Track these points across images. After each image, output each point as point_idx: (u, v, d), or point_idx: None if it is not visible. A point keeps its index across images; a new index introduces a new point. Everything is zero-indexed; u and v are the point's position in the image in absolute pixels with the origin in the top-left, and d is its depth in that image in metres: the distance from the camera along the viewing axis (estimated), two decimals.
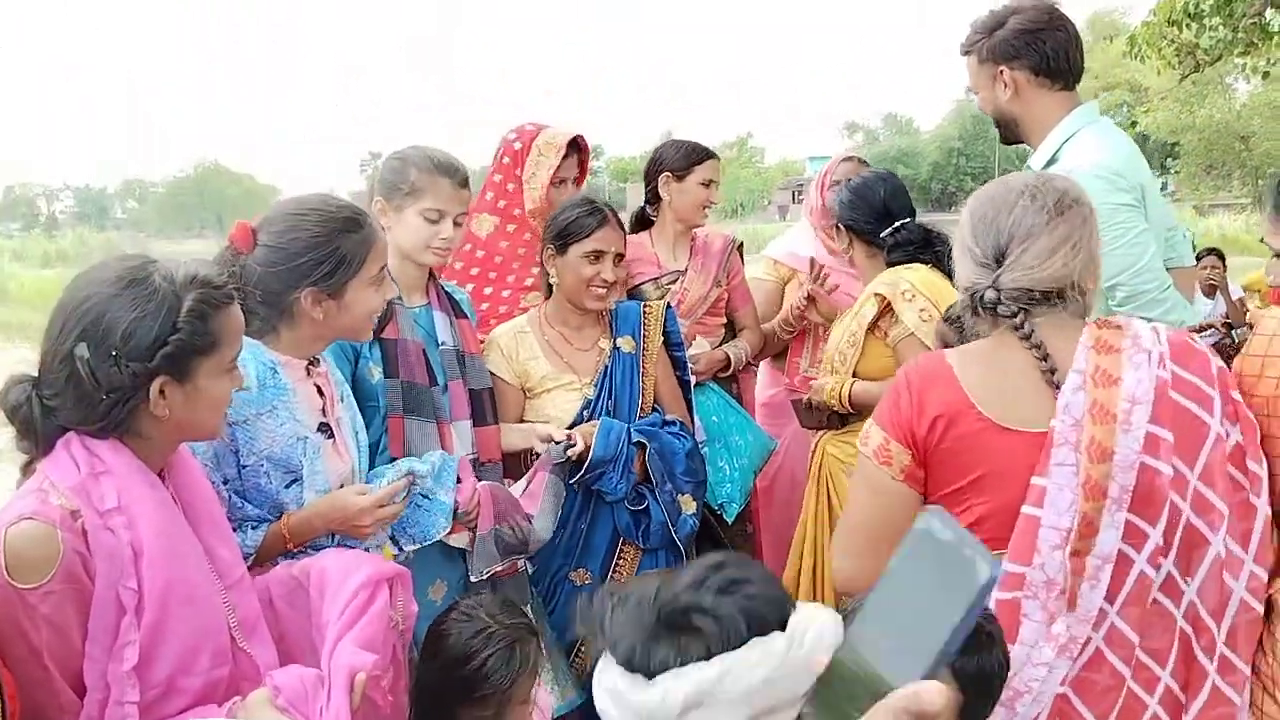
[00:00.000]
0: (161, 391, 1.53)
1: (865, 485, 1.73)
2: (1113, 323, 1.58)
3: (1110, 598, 1.52)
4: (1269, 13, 9.72)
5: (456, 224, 2.43)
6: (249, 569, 1.90)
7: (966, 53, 2.56)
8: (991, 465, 1.60)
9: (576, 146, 3.09)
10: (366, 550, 2.01)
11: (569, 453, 2.46)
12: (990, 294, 1.61)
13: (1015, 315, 1.59)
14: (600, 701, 0.98)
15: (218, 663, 1.56)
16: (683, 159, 3.32)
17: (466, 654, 1.95)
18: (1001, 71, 2.48)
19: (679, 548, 2.63)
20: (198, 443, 1.76)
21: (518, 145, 3.03)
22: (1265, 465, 1.46)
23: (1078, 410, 1.52)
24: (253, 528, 1.92)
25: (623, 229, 2.73)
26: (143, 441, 1.57)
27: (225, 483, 1.90)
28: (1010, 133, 2.58)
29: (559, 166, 3.00)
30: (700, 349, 3.21)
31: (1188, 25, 10.10)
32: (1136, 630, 1.52)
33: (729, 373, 3.30)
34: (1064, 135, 2.45)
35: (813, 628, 0.91)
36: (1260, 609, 1.43)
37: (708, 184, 3.33)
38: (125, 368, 1.49)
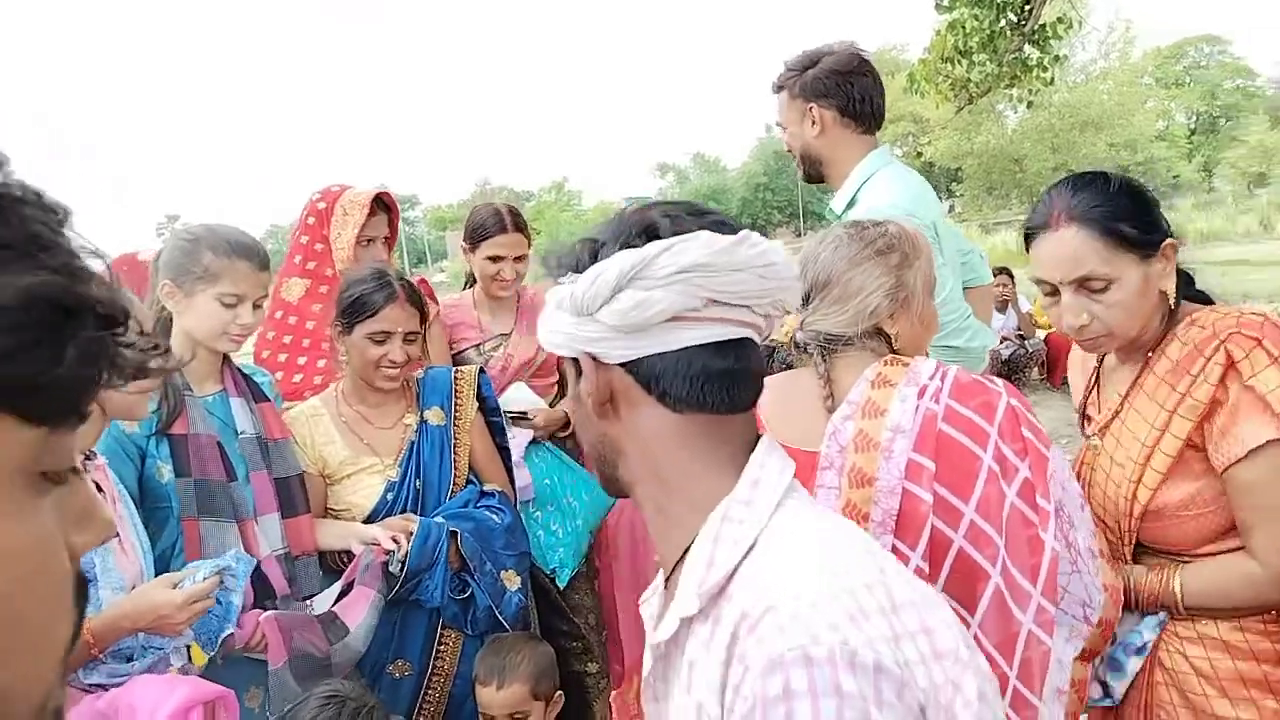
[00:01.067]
0: None
1: None
2: (901, 360, 1.64)
3: None
4: (1027, 48, 10.60)
5: (256, 307, 2.30)
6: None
7: (779, 89, 2.62)
8: None
9: (384, 204, 2.99)
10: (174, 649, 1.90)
11: (397, 559, 2.35)
12: (799, 335, 1.71)
13: (814, 354, 1.69)
14: (545, 338, 1.01)
15: None
16: (470, 232, 3.23)
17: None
18: (811, 108, 2.56)
19: (505, 629, 2.50)
20: None
21: (322, 205, 2.93)
22: (1053, 502, 1.52)
23: (844, 438, 1.58)
24: None
25: (415, 303, 2.51)
26: None
27: None
28: (813, 170, 2.65)
29: (365, 224, 2.91)
30: (523, 400, 3.10)
31: (959, 61, 10.89)
32: None
33: (568, 432, 3.13)
34: (862, 176, 2.55)
35: (766, 241, 0.96)
36: (1050, 643, 1.48)
37: (496, 259, 3.17)
38: None
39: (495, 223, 3.17)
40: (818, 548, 0.89)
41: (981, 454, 1.51)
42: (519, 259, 3.19)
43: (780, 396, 1.71)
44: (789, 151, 2.69)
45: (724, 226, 0.97)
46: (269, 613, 2.13)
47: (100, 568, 1.84)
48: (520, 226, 3.21)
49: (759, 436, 1.02)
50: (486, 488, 2.63)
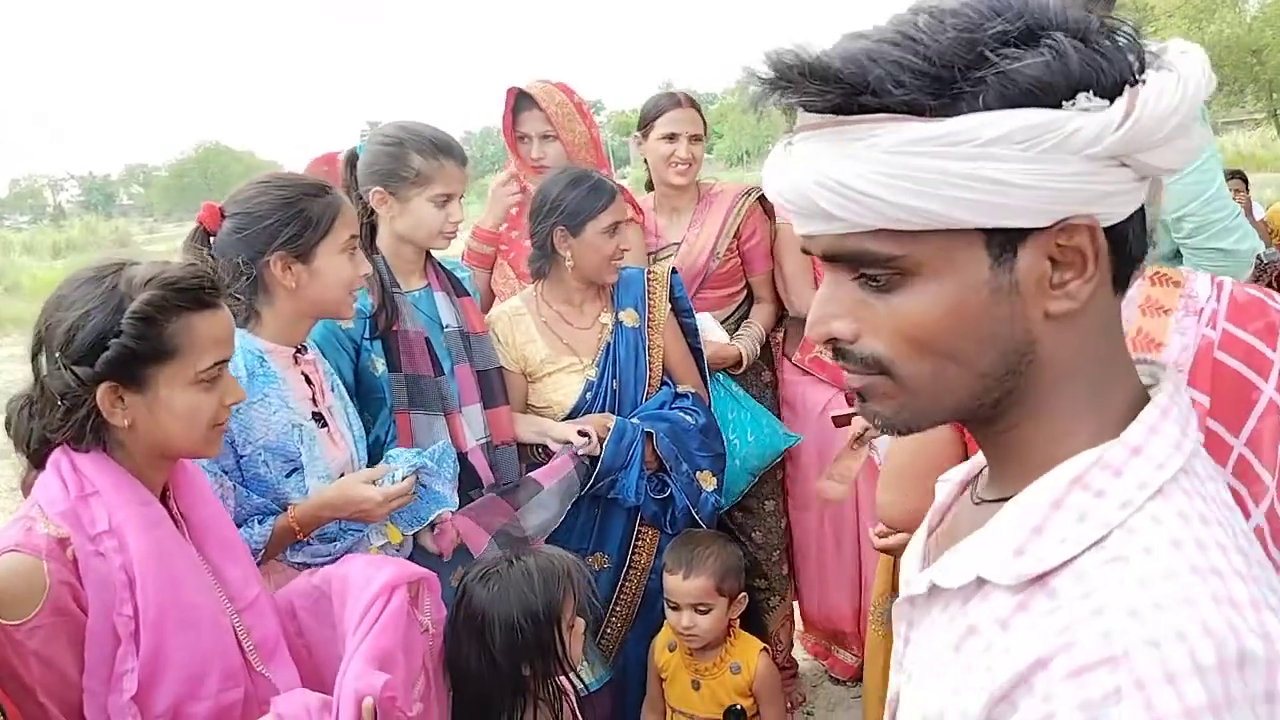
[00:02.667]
0: (120, 399, 1.43)
1: None
2: (1170, 277, 1.44)
3: None
4: None
5: (460, 200, 2.35)
6: (259, 563, 1.86)
7: None
8: None
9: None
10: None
11: (587, 450, 2.42)
12: None
13: None
14: (1019, 193, 0.66)
15: (227, 685, 1.48)
16: (642, 119, 2.99)
17: (508, 598, 1.85)
18: None
19: (702, 529, 2.54)
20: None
21: (508, 100, 2.97)
22: None
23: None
24: (259, 522, 1.88)
25: (699, 111, 2.90)
26: (126, 454, 1.48)
27: (226, 474, 1.85)
28: None
29: (515, 120, 2.92)
30: (710, 330, 2.87)
31: None
32: None
33: (740, 369, 2.95)
34: None
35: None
36: None
37: (670, 138, 2.92)
38: (69, 372, 1.40)
39: (668, 99, 2.99)
40: (1206, 583, 0.64)
41: (1262, 384, 1.33)
42: (694, 139, 2.93)
43: None
44: None
45: None
46: (458, 514, 2.21)
47: (307, 456, 1.94)
48: (695, 105, 3.00)
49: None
50: (680, 389, 2.63)
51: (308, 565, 1.95)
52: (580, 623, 1.95)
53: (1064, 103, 0.66)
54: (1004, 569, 0.71)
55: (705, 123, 3.01)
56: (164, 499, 1.54)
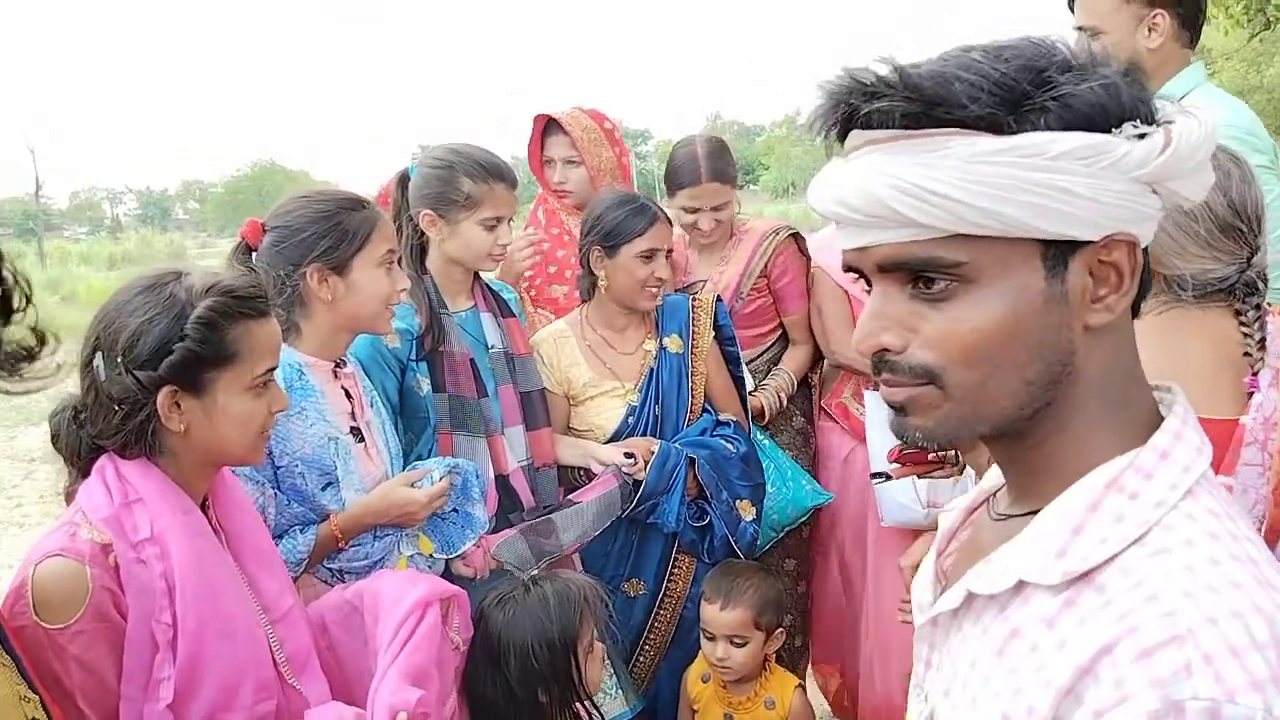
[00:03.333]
0: (177, 404, 1.45)
1: None
2: None
3: None
4: None
5: (509, 223, 2.38)
6: (303, 573, 1.89)
7: None
8: None
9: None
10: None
11: (632, 471, 2.41)
12: (1249, 276, 1.50)
13: (1237, 296, 1.50)
14: (1072, 205, 0.72)
15: (261, 697, 1.49)
16: (666, 177, 2.85)
17: (523, 624, 1.85)
18: (1155, 15, 2.30)
19: (740, 558, 2.52)
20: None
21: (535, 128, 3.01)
22: None
23: (1269, 408, 1.40)
24: (301, 531, 1.90)
25: (669, 224, 2.59)
26: (174, 463, 1.50)
27: (265, 484, 1.88)
28: None
29: (542, 145, 2.93)
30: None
31: None
32: None
33: (764, 421, 2.83)
34: (1181, 90, 2.29)
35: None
36: None
37: (691, 210, 2.83)
38: (130, 376, 1.42)
39: (690, 170, 2.80)
40: (1246, 568, 0.68)
41: None
42: (718, 209, 2.83)
43: (1162, 354, 1.51)
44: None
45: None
46: (494, 537, 2.21)
47: (342, 470, 1.95)
48: (721, 174, 2.81)
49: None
50: (722, 417, 2.62)
51: (340, 572, 1.97)
52: (600, 648, 1.94)
53: (1113, 130, 0.72)
54: (1047, 570, 0.74)
55: (733, 183, 2.88)
56: (203, 508, 1.56)
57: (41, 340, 1.24)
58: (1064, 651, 0.70)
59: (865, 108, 0.75)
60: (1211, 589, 0.67)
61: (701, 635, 2.37)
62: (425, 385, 2.27)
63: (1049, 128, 0.72)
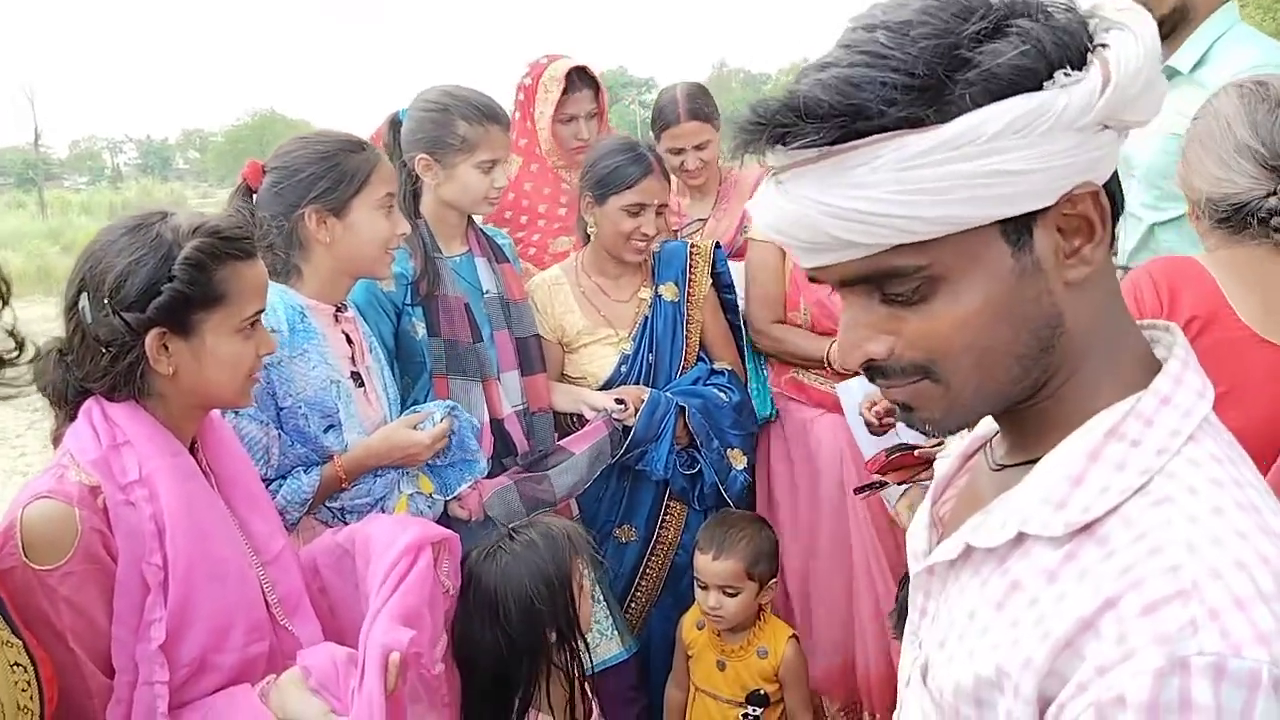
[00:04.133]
0: (165, 346, 1.44)
1: None
2: None
3: None
4: None
5: (504, 165, 2.34)
6: (306, 513, 1.91)
7: None
8: (1243, 378, 1.49)
9: (589, 78, 2.87)
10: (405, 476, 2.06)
11: (623, 417, 2.40)
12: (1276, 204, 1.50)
13: None
14: (1007, 187, 0.68)
15: (253, 638, 1.50)
16: (652, 120, 2.78)
17: (518, 570, 1.84)
18: None
19: (730, 506, 2.52)
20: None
21: (528, 81, 2.89)
22: None
23: None
24: (305, 471, 1.91)
25: (667, 177, 2.52)
26: (162, 405, 1.49)
27: (268, 425, 1.88)
28: (1172, 23, 2.30)
29: (563, 102, 2.83)
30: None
31: None
32: None
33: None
34: (1216, 32, 2.26)
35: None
36: None
37: (676, 151, 2.82)
38: (118, 318, 1.41)
39: (670, 112, 2.84)
40: (1250, 516, 0.67)
41: None
42: (700, 148, 2.84)
43: (1247, 283, 1.52)
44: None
45: None
46: (490, 483, 2.22)
47: (344, 413, 1.96)
48: (699, 113, 2.83)
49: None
50: (717, 365, 2.61)
51: (342, 510, 1.98)
52: (588, 585, 1.96)
53: (1044, 83, 0.68)
54: (1048, 522, 0.72)
55: (716, 124, 2.84)
56: (193, 451, 1.55)
57: (19, 345, 1.23)
58: (1064, 604, 0.68)
59: (785, 136, 0.71)
60: (1216, 540, 0.65)
61: (695, 583, 2.38)
62: (421, 330, 2.27)
63: (977, 105, 0.67)
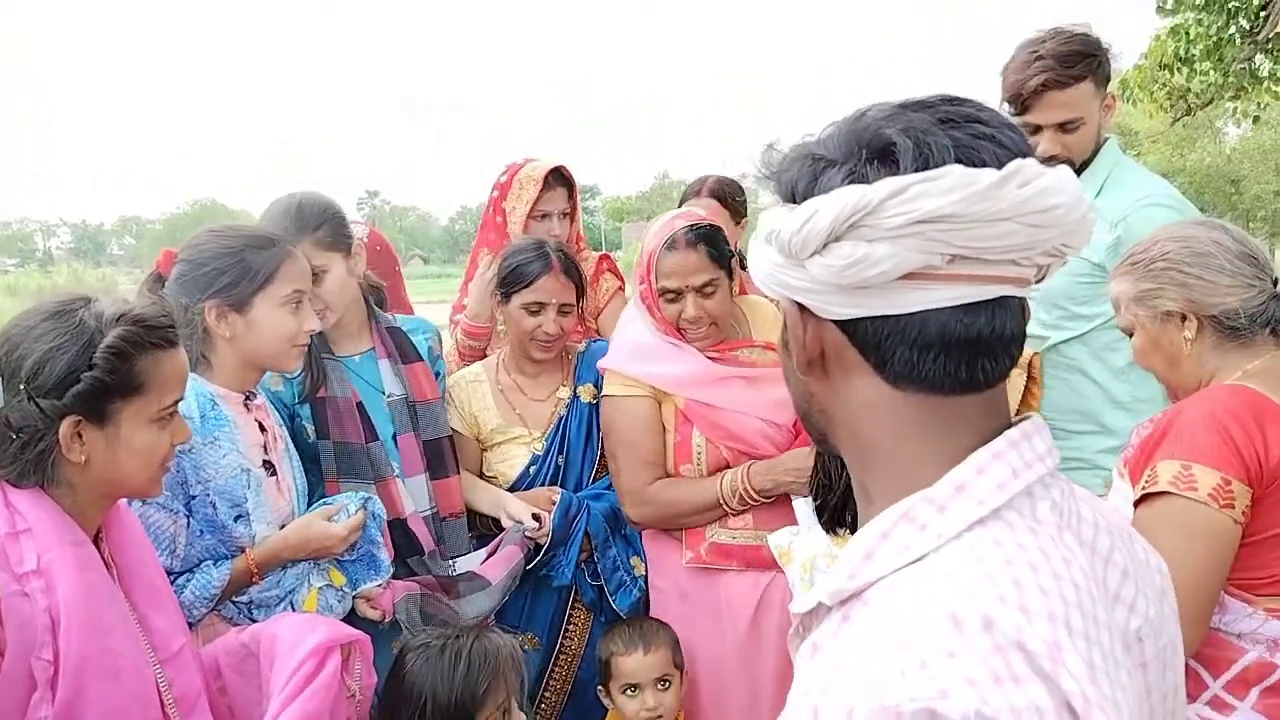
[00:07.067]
0: (79, 434, 1.42)
1: (1199, 536, 1.56)
2: None
3: None
4: (1258, 59, 9.77)
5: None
6: (213, 609, 1.86)
7: (1077, 80, 2.34)
8: None
9: (564, 180, 2.95)
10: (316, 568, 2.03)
11: (537, 535, 2.36)
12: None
13: None
14: (753, 270, 0.83)
15: None
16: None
17: (425, 679, 1.82)
18: (1108, 96, 2.44)
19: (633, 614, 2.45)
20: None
21: (504, 179, 2.96)
22: None
23: None
24: (215, 565, 1.87)
25: (573, 277, 2.46)
26: (69, 494, 1.45)
27: (177, 515, 1.85)
28: (1080, 168, 2.43)
29: (539, 199, 2.88)
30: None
31: (1179, 70, 10.15)
32: None
33: None
34: (1109, 165, 2.44)
35: (1049, 174, 0.72)
36: None
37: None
38: (33, 404, 1.38)
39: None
40: (1001, 583, 0.68)
41: None
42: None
43: None
44: (1055, 158, 2.28)
45: (992, 146, 0.73)
46: (401, 585, 2.18)
47: (253, 504, 1.93)
48: (719, 194, 3.07)
49: (1008, 424, 0.80)
50: None
51: (250, 605, 1.94)
52: (515, 708, 1.91)
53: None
54: (828, 592, 0.77)
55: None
56: (96, 541, 1.51)
57: None
58: (835, 651, 0.72)
59: None
60: (935, 599, 0.68)
61: (617, 695, 2.29)
62: (312, 432, 2.25)
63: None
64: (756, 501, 2.28)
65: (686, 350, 2.32)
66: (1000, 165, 0.71)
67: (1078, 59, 2.33)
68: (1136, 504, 1.64)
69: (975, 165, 0.71)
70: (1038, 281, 0.77)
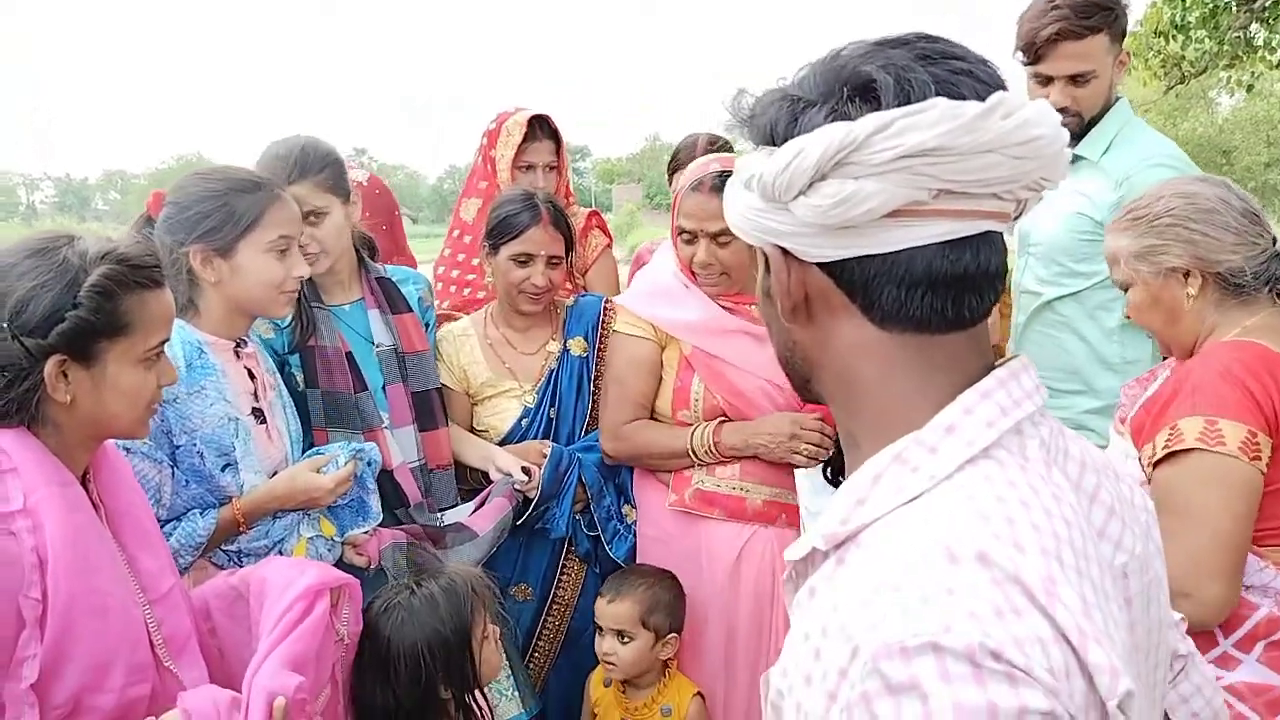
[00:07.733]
0: (65, 374, 1.41)
1: (1233, 489, 1.57)
2: None
3: None
4: (1254, 27, 9.73)
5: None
6: (200, 556, 1.86)
7: (1092, 31, 2.32)
8: None
9: (550, 131, 2.91)
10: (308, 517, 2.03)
11: (525, 488, 2.37)
12: None
13: None
14: (729, 218, 0.84)
15: (134, 680, 1.44)
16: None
17: (413, 629, 1.81)
18: (1124, 53, 2.44)
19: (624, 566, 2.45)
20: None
21: (493, 126, 2.93)
22: None
23: None
24: (201, 514, 1.87)
25: (562, 229, 2.44)
26: (55, 433, 1.44)
27: (162, 463, 1.84)
28: (1089, 123, 2.43)
29: (523, 149, 2.86)
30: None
31: (1174, 37, 10.12)
32: None
33: None
34: (1118, 124, 2.42)
35: (1029, 106, 0.73)
36: None
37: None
38: (17, 343, 1.37)
39: (688, 153, 2.89)
40: (994, 521, 0.69)
41: None
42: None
43: None
44: (1066, 109, 2.35)
45: (970, 80, 0.74)
46: (389, 533, 2.18)
47: (241, 451, 1.92)
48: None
49: (993, 364, 0.81)
50: None
51: (239, 553, 1.94)
52: (495, 630, 1.93)
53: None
54: (822, 537, 0.78)
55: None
56: (84, 483, 1.51)
57: None
58: (832, 593, 0.74)
59: None
60: (947, 540, 0.69)
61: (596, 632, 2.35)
62: (301, 381, 2.24)
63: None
64: (726, 458, 2.32)
65: (696, 293, 2.34)
66: (981, 99, 0.72)
67: (1094, 10, 2.32)
68: (1158, 463, 1.64)
69: (956, 100, 0.72)
70: (1015, 218, 0.78)
